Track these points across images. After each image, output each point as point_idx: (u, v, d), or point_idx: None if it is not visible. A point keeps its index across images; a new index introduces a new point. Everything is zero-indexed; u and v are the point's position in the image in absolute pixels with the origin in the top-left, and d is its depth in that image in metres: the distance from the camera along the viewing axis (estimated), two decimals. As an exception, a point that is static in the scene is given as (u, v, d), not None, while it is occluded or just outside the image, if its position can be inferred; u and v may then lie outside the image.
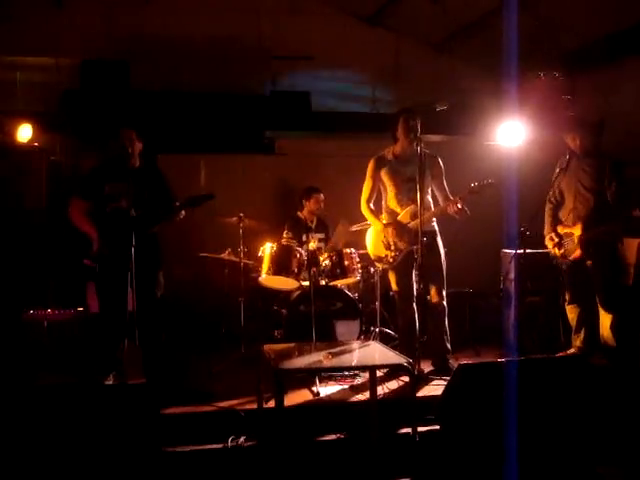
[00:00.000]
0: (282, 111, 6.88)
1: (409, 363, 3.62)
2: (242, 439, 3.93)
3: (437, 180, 5.12)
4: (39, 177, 6.13)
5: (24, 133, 5.89)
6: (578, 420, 3.56)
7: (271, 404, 3.88)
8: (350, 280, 5.81)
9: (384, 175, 5.13)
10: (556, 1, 5.93)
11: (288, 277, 5.63)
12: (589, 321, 5.15)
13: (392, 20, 7.13)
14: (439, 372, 4.91)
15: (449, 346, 5.08)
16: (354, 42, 7.17)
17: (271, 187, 7.08)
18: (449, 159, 5.31)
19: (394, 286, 5.15)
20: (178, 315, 5.68)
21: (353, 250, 5.82)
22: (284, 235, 6.28)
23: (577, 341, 5.22)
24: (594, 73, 6.40)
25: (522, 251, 5.31)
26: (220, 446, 3.90)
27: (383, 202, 5.23)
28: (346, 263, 5.75)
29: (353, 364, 4.19)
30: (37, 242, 6.00)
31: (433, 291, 5.04)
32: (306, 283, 5.49)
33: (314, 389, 4.55)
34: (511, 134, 5.84)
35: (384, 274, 5.49)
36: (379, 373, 4.47)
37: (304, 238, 5.66)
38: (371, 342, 4.79)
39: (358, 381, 4.82)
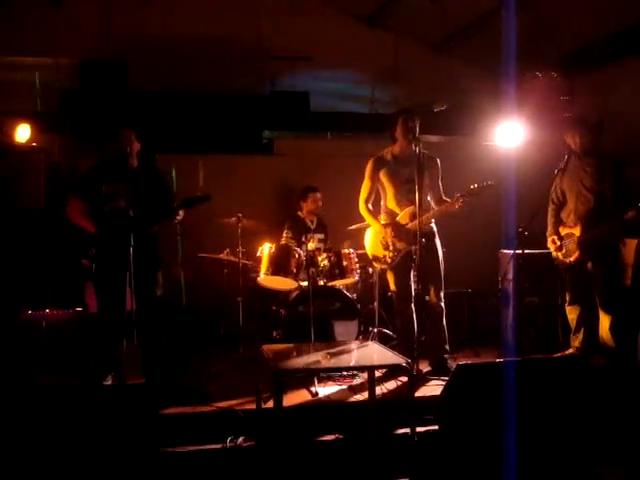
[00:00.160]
0: (281, 111, 6.87)
1: (407, 363, 3.62)
2: (241, 439, 3.93)
3: (433, 181, 5.13)
4: (37, 177, 6.13)
5: (22, 133, 5.88)
6: (577, 420, 3.57)
7: (270, 404, 3.87)
8: (349, 280, 5.81)
9: (383, 176, 5.13)
10: (555, 2, 5.94)
11: (287, 277, 5.63)
12: (589, 322, 5.16)
13: (391, 20, 7.14)
14: (437, 372, 4.91)
15: (447, 346, 5.08)
16: (353, 42, 7.16)
17: (270, 187, 7.08)
18: (448, 159, 5.31)
19: (392, 286, 5.15)
20: (177, 315, 5.68)
21: (352, 250, 5.83)
22: (284, 234, 6.29)
23: (576, 341, 5.22)
24: (593, 73, 6.40)
25: (520, 251, 5.31)
26: (219, 446, 3.90)
27: (382, 202, 5.24)
28: (345, 263, 5.76)
29: (352, 364, 4.20)
30: (35, 242, 6.00)
31: (431, 292, 5.04)
32: (305, 283, 5.49)
33: (313, 389, 4.54)
34: (510, 134, 5.85)
35: (382, 274, 5.49)
36: (377, 373, 4.47)
37: (303, 238, 5.66)
38: (369, 342, 4.78)
39: (357, 381, 4.82)
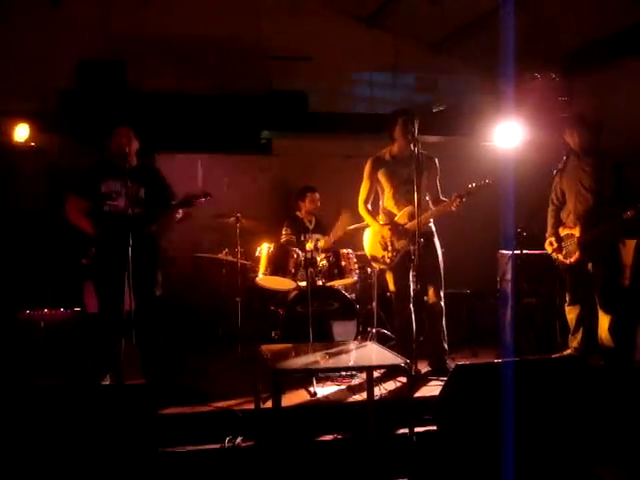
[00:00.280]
0: (279, 111, 6.87)
1: (406, 363, 3.62)
2: (239, 439, 3.93)
3: (431, 181, 5.13)
4: (36, 177, 6.13)
5: (21, 133, 5.87)
6: (575, 421, 3.57)
7: (268, 404, 3.87)
8: (347, 281, 5.81)
9: (381, 176, 5.13)
10: (553, 2, 5.94)
11: (285, 277, 5.62)
12: (588, 322, 5.16)
13: (390, 20, 7.14)
14: (436, 372, 4.92)
15: (446, 346, 5.08)
16: (352, 42, 7.17)
17: (268, 187, 7.08)
18: (446, 160, 5.31)
19: (391, 286, 5.16)
20: (175, 315, 5.67)
21: (350, 251, 5.83)
22: (283, 232, 6.28)
23: (574, 342, 5.23)
24: (592, 73, 6.40)
25: (519, 252, 5.32)
26: (217, 446, 3.90)
27: (380, 203, 5.24)
28: (343, 264, 5.75)
29: (350, 364, 4.19)
30: (34, 242, 6.00)
31: (430, 292, 5.04)
32: (303, 283, 5.49)
33: (311, 389, 4.55)
34: (508, 135, 5.85)
35: (381, 275, 5.49)
36: (376, 373, 4.47)
37: (302, 238, 5.66)
38: (368, 342, 4.78)
39: (355, 381, 4.81)
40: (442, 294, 5.06)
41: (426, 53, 7.45)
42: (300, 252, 5.61)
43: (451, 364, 4.85)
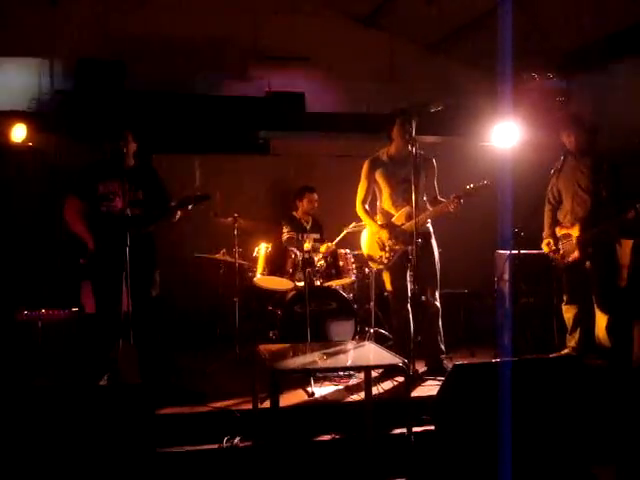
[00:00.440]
0: (277, 112, 6.87)
1: (404, 363, 3.62)
2: (237, 439, 3.93)
3: (428, 181, 5.13)
4: (33, 177, 6.12)
5: (18, 133, 5.87)
6: (572, 420, 3.57)
7: (266, 404, 3.87)
8: (345, 281, 5.82)
9: (379, 176, 5.13)
10: (551, 2, 5.95)
11: (283, 277, 5.64)
12: (585, 322, 5.17)
13: (387, 21, 7.14)
14: (434, 372, 4.92)
15: (443, 347, 5.09)
16: (349, 43, 7.17)
17: (266, 187, 7.08)
18: (444, 160, 5.32)
19: (388, 287, 5.16)
20: (173, 315, 5.67)
21: (348, 251, 5.84)
22: (284, 230, 6.28)
23: (572, 341, 5.24)
24: (590, 73, 6.41)
25: (516, 252, 5.33)
26: (215, 447, 3.90)
27: (378, 203, 5.24)
28: (341, 264, 5.77)
29: (348, 364, 4.20)
30: (31, 242, 5.99)
31: (427, 292, 5.04)
32: (301, 283, 5.49)
33: (309, 389, 4.55)
34: (506, 135, 5.86)
35: (379, 275, 5.50)
36: (374, 373, 4.47)
37: (299, 238, 5.66)
38: (366, 342, 4.79)
39: (353, 381, 4.82)
40: (438, 295, 5.07)
41: (423, 53, 7.45)
42: (298, 252, 5.62)
43: (449, 364, 4.85)
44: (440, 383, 4.01)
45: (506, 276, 5.69)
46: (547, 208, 5.34)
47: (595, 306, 5.07)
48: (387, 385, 4.68)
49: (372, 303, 5.87)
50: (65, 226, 4.67)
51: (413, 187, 4.71)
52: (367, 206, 5.23)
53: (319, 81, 7.18)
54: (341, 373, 4.89)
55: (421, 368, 5.02)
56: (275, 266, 5.65)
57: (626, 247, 5.22)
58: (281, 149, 7.20)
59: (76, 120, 6.30)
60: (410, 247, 4.84)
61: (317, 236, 6.36)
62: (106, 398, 3.46)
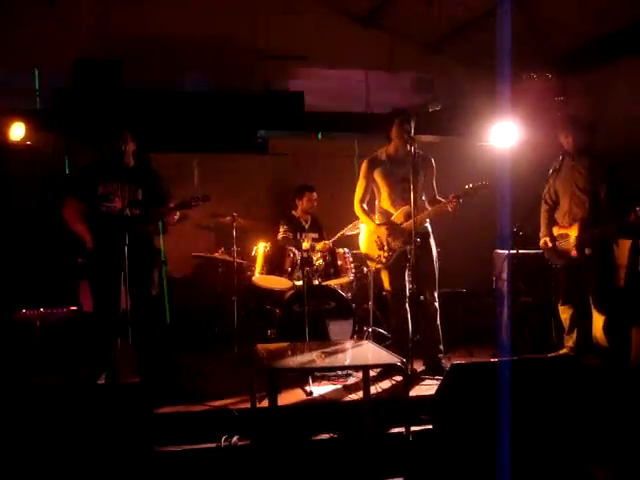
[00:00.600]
0: (276, 111, 6.86)
1: (402, 363, 3.62)
2: (235, 438, 3.93)
3: (427, 181, 5.13)
4: (31, 176, 6.11)
5: (16, 132, 5.86)
6: (570, 420, 3.58)
7: (264, 403, 3.87)
8: (343, 280, 5.82)
9: (377, 176, 5.13)
10: (549, 2, 5.95)
11: (281, 276, 5.64)
12: (582, 321, 5.17)
13: (386, 20, 7.14)
14: (432, 372, 4.92)
15: (442, 346, 5.09)
16: (348, 42, 7.16)
17: (264, 186, 7.08)
18: (442, 160, 5.32)
19: (387, 286, 5.16)
20: (171, 314, 5.67)
21: (347, 250, 5.84)
22: (280, 230, 6.27)
23: (569, 341, 5.24)
24: (588, 73, 6.42)
25: (515, 251, 5.33)
26: (213, 445, 3.90)
27: (376, 202, 5.24)
28: (339, 263, 5.77)
29: (346, 363, 4.21)
30: (29, 241, 5.98)
31: (425, 291, 5.05)
32: (299, 283, 5.49)
33: (307, 388, 4.55)
34: (504, 135, 5.86)
35: (377, 274, 5.50)
36: (372, 373, 4.48)
37: (298, 237, 5.66)
38: (364, 342, 4.79)
39: (351, 380, 4.82)
40: (436, 294, 5.07)
41: (422, 53, 7.44)
42: (296, 251, 5.62)
43: (447, 363, 4.86)
44: (438, 382, 4.02)
45: (504, 275, 5.69)
46: (544, 208, 5.34)
47: (592, 306, 5.07)
48: (385, 384, 4.69)
49: (370, 302, 5.88)
50: (64, 225, 4.67)
51: (412, 186, 4.72)
52: (366, 205, 5.24)
53: (318, 80, 7.18)
54: (339, 372, 4.89)
55: (419, 367, 5.02)
56: (274, 265, 5.65)
57: (624, 247, 5.22)
58: (280, 148, 7.20)
59: (74, 119, 6.29)
60: (409, 246, 4.85)
61: (316, 235, 6.35)
62: (104, 397, 3.46)
